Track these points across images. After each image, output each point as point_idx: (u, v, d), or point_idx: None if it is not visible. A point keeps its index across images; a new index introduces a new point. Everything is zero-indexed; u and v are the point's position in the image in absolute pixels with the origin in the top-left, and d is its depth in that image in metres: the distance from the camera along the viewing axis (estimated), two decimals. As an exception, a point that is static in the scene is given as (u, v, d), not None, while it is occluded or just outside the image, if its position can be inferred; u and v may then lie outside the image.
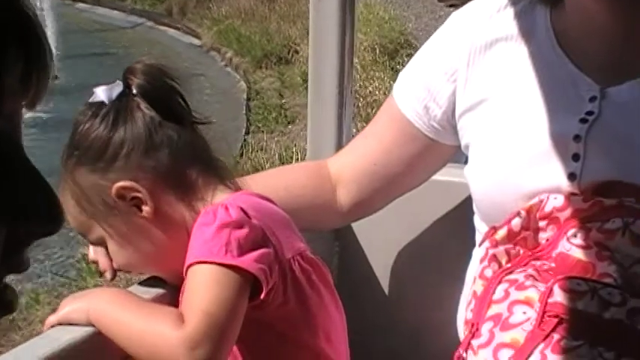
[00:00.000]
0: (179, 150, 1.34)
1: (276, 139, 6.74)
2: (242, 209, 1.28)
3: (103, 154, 1.32)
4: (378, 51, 7.65)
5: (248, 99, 8.10)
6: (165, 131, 1.33)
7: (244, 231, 1.26)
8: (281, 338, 1.33)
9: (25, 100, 0.65)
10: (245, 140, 6.96)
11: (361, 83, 6.92)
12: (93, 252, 1.43)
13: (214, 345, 1.21)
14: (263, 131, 7.13)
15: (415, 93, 1.55)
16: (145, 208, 1.32)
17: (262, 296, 1.26)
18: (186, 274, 1.27)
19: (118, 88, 1.34)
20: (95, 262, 1.44)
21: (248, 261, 1.24)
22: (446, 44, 1.53)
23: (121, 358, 1.27)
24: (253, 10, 9.98)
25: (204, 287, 1.24)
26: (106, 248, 1.37)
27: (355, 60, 7.35)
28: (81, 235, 1.39)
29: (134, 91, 1.34)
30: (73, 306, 1.29)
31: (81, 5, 12.74)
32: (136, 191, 1.32)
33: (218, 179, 1.36)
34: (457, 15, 1.53)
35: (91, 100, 1.35)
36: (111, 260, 1.40)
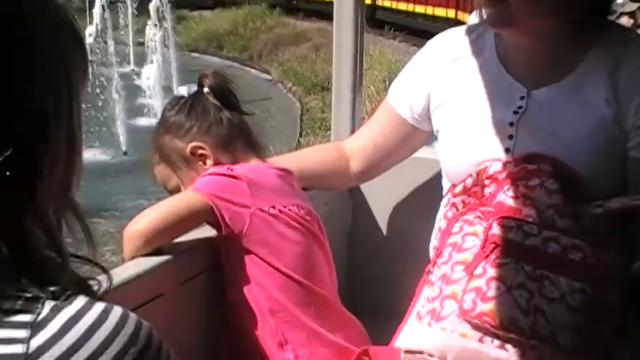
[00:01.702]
0: (233, 127, 1.36)
1: (319, 140, 6.71)
2: (232, 169, 1.29)
3: (182, 126, 1.35)
4: (387, 82, 7.56)
5: (301, 114, 8.11)
6: (225, 114, 1.36)
7: (226, 179, 1.27)
8: (257, 261, 1.28)
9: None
10: (299, 141, 6.98)
11: (376, 104, 6.86)
12: None
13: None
14: (311, 135, 7.12)
15: (403, 95, 1.53)
16: (209, 162, 1.34)
17: (224, 228, 1.25)
18: None
19: (194, 86, 1.37)
20: None
21: (216, 196, 1.24)
22: (424, 61, 1.50)
23: None
24: (306, 56, 9.94)
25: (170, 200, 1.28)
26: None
27: (372, 88, 7.27)
28: (162, 187, 1.40)
29: (205, 89, 1.36)
30: None
31: (194, 54, 12.81)
32: (203, 149, 1.34)
33: (254, 153, 1.38)
34: (434, 40, 1.51)
35: (175, 93, 1.41)
36: None
